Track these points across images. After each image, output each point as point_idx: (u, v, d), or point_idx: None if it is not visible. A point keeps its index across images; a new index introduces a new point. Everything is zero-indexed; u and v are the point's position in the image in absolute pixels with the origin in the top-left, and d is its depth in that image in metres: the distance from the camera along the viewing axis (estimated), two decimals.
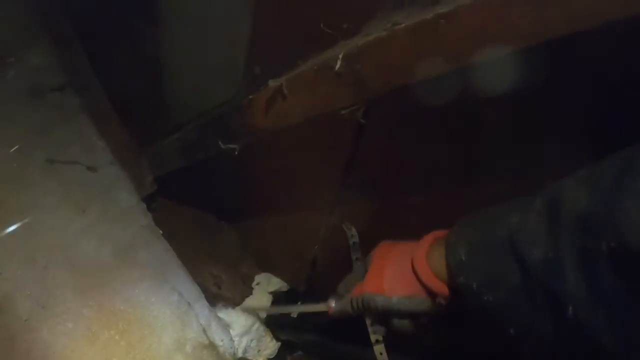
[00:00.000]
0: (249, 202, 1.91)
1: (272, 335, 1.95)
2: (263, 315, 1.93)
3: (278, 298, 2.03)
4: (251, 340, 1.86)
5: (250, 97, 1.27)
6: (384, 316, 1.15)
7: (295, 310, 1.59)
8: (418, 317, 1.09)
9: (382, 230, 1.41)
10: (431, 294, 1.01)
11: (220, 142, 1.36)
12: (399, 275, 1.08)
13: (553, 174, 0.76)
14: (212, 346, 1.65)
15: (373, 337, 1.28)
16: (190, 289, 1.67)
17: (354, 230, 1.49)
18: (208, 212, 2.07)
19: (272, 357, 1.96)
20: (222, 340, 1.70)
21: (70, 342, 1.36)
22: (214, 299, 1.89)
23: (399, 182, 1.32)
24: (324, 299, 1.82)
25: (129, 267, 1.51)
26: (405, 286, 1.05)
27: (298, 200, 1.61)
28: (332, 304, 1.30)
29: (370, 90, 1.05)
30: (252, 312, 1.92)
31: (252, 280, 2.07)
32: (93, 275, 1.43)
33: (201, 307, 1.68)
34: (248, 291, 2.05)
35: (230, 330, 1.79)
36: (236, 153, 1.34)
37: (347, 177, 1.36)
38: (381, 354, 1.30)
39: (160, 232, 1.63)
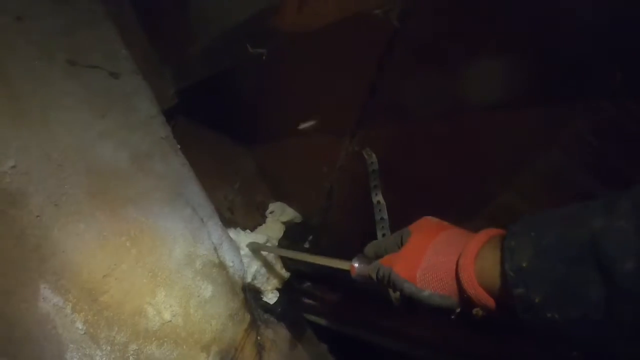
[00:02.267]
0: (268, 123, 1.89)
1: (282, 265, 1.93)
2: (274, 242, 1.92)
3: (291, 229, 2.02)
4: (261, 267, 1.85)
5: None
6: (408, 298, 1.04)
7: (315, 260, 1.52)
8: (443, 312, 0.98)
9: (403, 160, 1.39)
10: (468, 300, 0.90)
11: (248, 46, 1.32)
12: (438, 269, 0.95)
13: None
14: (222, 266, 1.65)
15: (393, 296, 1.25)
16: (204, 206, 1.66)
17: (374, 157, 1.47)
18: (227, 135, 2.05)
19: (280, 286, 1.95)
20: (232, 262, 1.69)
21: (80, 243, 1.35)
22: (226, 224, 1.88)
23: (426, 108, 1.29)
24: (338, 235, 1.82)
25: (144, 176, 1.50)
26: (441, 284, 0.93)
27: (320, 120, 1.58)
28: (356, 264, 1.22)
29: None
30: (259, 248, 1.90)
31: (266, 208, 2.06)
32: (108, 179, 1.42)
33: (214, 225, 1.67)
34: (261, 219, 2.03)
35: (240, 251, 1.77)
36: (263, 58, 1.30)
37: (373, 97, 1.32)
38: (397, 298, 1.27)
39: (178, 146, 1.61)
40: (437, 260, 0.95)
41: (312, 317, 2.00)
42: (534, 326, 0.75)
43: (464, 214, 1.34)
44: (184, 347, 1.50)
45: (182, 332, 1.50)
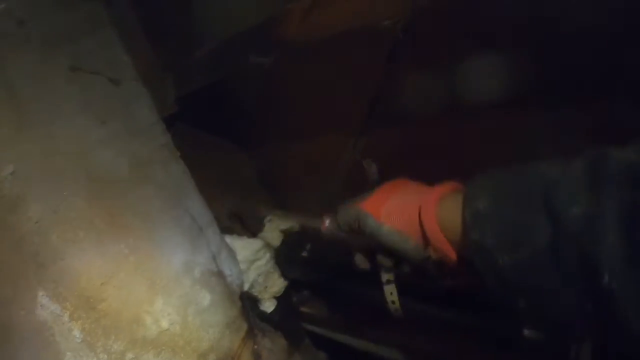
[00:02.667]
0: (269, 132, 1.89)
1: (280, 273, 1.93)
2: (271, 251, 1.91)
3: (289, 237, 2.01)
4: (258, 275, 1.84)
5: (288, 6, 1.24)
6: (369, 250, 1.11)
7: (292, 217, 1.52)
8: (402, 261, 1.05)
9: (404, 171, 1.39)
10: (427, 243, 0.94)
11: (250, 56, 1.32)
12: (402, 210, 0.99)
13: None
14: (220, 274, 1.65)
15: (384, 277, 1.25)
16: (203, 214, 1.65)
17: (374, 167, 1.46)
18: (227, 143, 2.05)
19: (278, 295, 1.94)
20: (230, 270, 1.69)
21: (79, 251, 1.34)
22: (225, 232, 1.88)
23: (428, 118, 1.29)
24: (336, 244, 1.81)
25: (144, 183, 1.49)
26: (404, 223, 0.98)
27: (321, 130, 1.59)
28: (327, 221, 1.25)
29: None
30: (262, 246, 1.90)
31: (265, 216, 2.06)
32: (107, 186, 1.42)
33: (213, 233, 1.66)
34: (260, 227, 2.03)
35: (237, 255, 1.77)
36: (265, 67, 1.30)
37: (375, 107, 1.32)
38: (391, 293, 1.27)
39: (178, 153, 1.60)
40: (402, 200, 1.01)
41: (310, 326, 1.99)
42: (486, 274, 0.77)
43: None
44: (182, 355, 1.49)
45: (180, 341, 1.49)
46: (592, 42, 0.92)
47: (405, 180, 1.12)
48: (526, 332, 0.96)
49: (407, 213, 0.97)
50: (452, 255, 0.90)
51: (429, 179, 1.33)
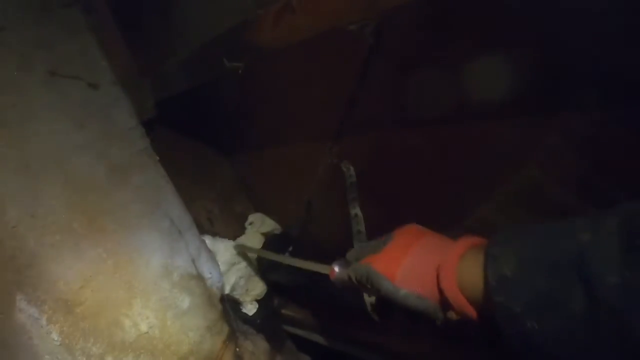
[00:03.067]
0: (248, 135, 1.89)
1: (261, 276, 1.94)
2: (254, 255, 1.92)
3: (270, 240, 2.02)
4: (240, 278, 1.85)
5: (259, 11, 1.24)
6: (385, 300, 1.02)
7: (295, 263, 1.53)
8: (421, 318, 0.97)
9: (382, 173, 1.40)
10: (446, 305, 0.89)
11: (225, 60, 1.33)
12: (419, 270, 0.94)
13: None
14: (199, 277, 1.65)
15: (367, 301, 1.25)
16: (182, 217, 1.66)
17: (352, 170, 1.47)
18: (206, 146, 2.06)
19: (259, 298, 1.95)
20: (210, 273, 1.69)
21: (56, 255, 1.35)
22: (205, 234, 1.89)
23: (403, 121, 1.30)
24: (316, 246, 1.82)
25: (122, 187, 1.50)
26: (421, 285, 0.93)
27: (298, 133, 1.60)
28: (336, 268, 1.20)
29: (381, 4, 1.02)
30: (244, 250, 1.91)
31: (246, 219, 2.06)
32: (85, 191, 1.42)
33: (192, 236, 1.67)
34: (241, 230, 2.04)
35: (217, 257, 1.78)
36: (240, 72, 1.31)
37: (351, 110, 1.33)
38: (371, 304, 1.27)
39: (157, 158, 1.61)
40: (418, 261, 0.95)
41: (292, 329, 2.00)
42: (513, 337, 0.74)
43: (441, 226, 1.35)
44: (161, 358, 1.50)
45: (159, 344, 1.49)
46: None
47: (418, 228, 1.06)
48: None
49: (425, 276, 0.92)
50: (474, 315, 0.85)
51: (405, 181, 1.35)
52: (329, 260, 1.22)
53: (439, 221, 1.31)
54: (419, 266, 0.94)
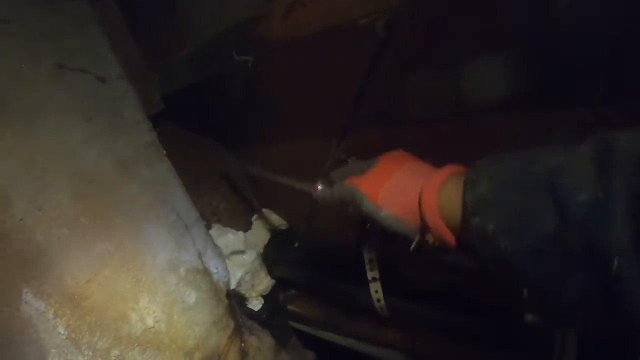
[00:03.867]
0: (255, 130, 1.89)
1: (267, 271, 1.93)
2: (260, 249, 1.92)
3: (276, 235, 2.02)
4: (246, 274, 1.85)
5: (269, 5, 1.24)
6: (362, 223, 1.07)
7: (282, 180, 1.55)
8: (397, 242, 0.99)
9: None
10: (425, 229, 0.91)
11: (234, 54, 1.32)
12: (401, 193, 0.96)
13: None
14: (206, 272, 1.65)
15: (370, 275, 1.24)
16: (189, 212, 1.66)
17: None
18: (213, 141, 2.05)
19: (265, 293, 1.94)
20: (216, 268, 1.69)
21: (63, 248, 1.34)
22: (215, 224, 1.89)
23: (411, 117, 1.29)
24: (322, 244, 1.82)
25: (129, 181, 1.49)
26: (402, 207, 0.95)
27: (306, 128, 1.59)
28: (319, 186, 1.22)
29: None
30: (249, 246, 1.90)
31: (252, 215, 2.06)
32: (92, 184, 1.42)
33: (198, 231, 1.67)
34: (247, 226, 2.03)
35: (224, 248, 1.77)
36: (249, 66, 1.30)
37: (359, 105, 1.33)
38: (376, 291, 1.27)
39: (164, 152, 1.61)
40: (401, 183, 0.98)
41: (297, 325, 2.00)
42: (487, 258, 0.77)
43: None
44: (167, 353, 1.49)
45: (165, 338, 1.49)
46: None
47: (403, 154, 1.09)
48: (528, 317, 0.95)
49: (406, 197, 0.94)
50: (452, 241, 0.87)
51: None
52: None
53: None
54: (401, 189, 0.97)
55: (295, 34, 1.17)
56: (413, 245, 0.94)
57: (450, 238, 0.87)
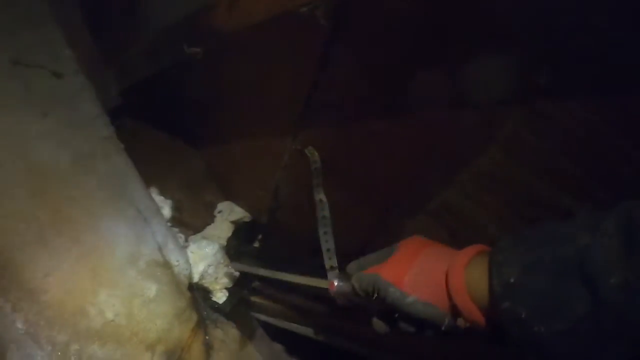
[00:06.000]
0: (214, 123, 1.89)
1: (230, 264, 1.94)
2: (223, 242, 1.92)
3: (239, 228, 2.02)
4: (209, 266, 1.85)
5: None
6: (389, 313, 1.01)
7: (292, 279, 1.53)
8: (426, 328, 0.96)
9: (346, 158, 1.40)
10: (455, 312, 0.89)
11: (184, 46, 1.32)
12: (427, 277, 0.93)
13: None
14: (167, 265, 1.65)
15: (328, 264, 1.25)
16: (148, 205, 1.66)
17: (316, 155, 1.48)
18: (174, 136, 2.05)
19: (229, 286, 1.95)
20: (177, 261, 1.69)
21: (21, 243, 1.35)
22: (173, 224, 1.88)
23: (363, 105, 1.30)
24: (285, 236, 1.82)
25: (87, 176, 1.49)
26: (429, 291, 0.91)
27: (264, 120, 1.60)
28: (336, 281, 1.18)
29: None
30: (213, 238, 1.91)
31: (215, 208, 2.06)
32: (50, 179, 1.42)
33: (158, 224, 1.67)
34: (210, 219, 2.03)
35: (188, 252, 1.78)
36: (199, 57, 1.31)
37: (312, 96, 1.34)
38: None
39: (122, 145, 1.61)
40: (426, 268, 0.94)
41: (263, 317, 2.00)
42: (520, 341, 0.75)
43: (407, 212, 1.36)
44: (128, 346, 1.50)
45: (126, 332, 1.50)
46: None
47: (423, 240, 1.05)
48: None
49: (433, 280, 0.91)
50: (483, 322, 0.85)
51: (370, 166, 1.35)
52: (298, 249, 1.21)
53: (404, 205, 1.32)
54: (427, 273, 0.94)
55: (241, 23, 1.17)
56: (444, 328, 0.91)
57: (481, 319, 0.85)
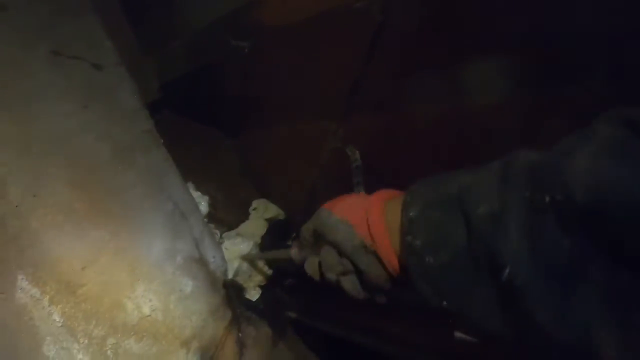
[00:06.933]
0: (253, 119, 1.88)
1: (265, 261, 1.93)
2: (257, 239, 1.91)
3: (274, 226, 2.01)
4: (243, 263, 1.84)
5: None
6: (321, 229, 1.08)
7: (265, 256, 1.66)
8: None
9: (387, 156, 1.38)
10: (373, 245, 0.95)
11: (230, 40, 1.31)
12: (352, 207, 1.03)
13: None
14: (202, 261, 1.64)
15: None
16: (186, 200, 1.65)
17: (357, 154, 1.46)
18: (211, 130, 2.04)
19: (263, 283, 1.94)
20: (214, 257, 1.68)
21: (59, 235, 1.34)
22: (208, 219, 1.88)
23: (410, 103, 1.28)
24: None
25: (125, 169, 1.49)
26: (352, 217, 1.00)
27: (303, 116, 1.58)
28: (294, 250, 1.27)
29: None
30: (247, 235, 1.90)
31: (249, 205, 2.05)
32: (88, 171, 1.41)
33: (196, 220, 1.66)
34: (244, 216, 2.03)
35: (223, 249, 1.77)
36: (246, 51, 1.30)
37: (357, 92, 1.32)
38: None
39: (161, 140, 1.60)
40: (355, 199, 1.06)
41: (295, 315, 1.99)
42: (416, 274, 0.81)
43: None
44: (163, 342, 1.49)
45: (162, 327, 1.49)
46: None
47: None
48: (457, 334, 0.98)
49: (357, 210, 1.00)
50: (394, 261, 0.92)
51: (411, 164, 1.33)
52: None
53: None
54: (354, 203, 1.04)
55: (290, 18, 1.16)
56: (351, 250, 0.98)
57: (391, 253, 0.92)
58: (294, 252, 1.29)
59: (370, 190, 1.37)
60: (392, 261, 0.91)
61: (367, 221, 0.95)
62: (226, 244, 1.86)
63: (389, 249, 0.91)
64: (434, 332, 1.42)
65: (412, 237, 0.81)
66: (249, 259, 1.89)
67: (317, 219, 1.07)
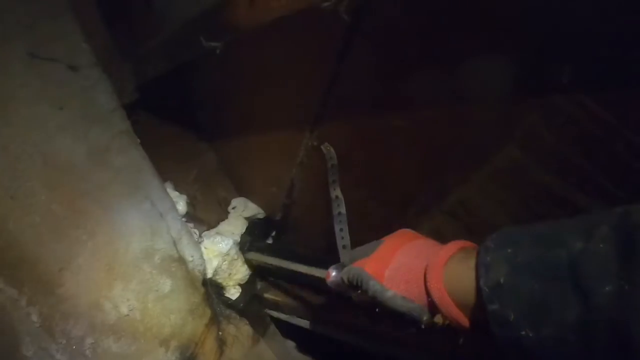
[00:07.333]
0: (230, 118, 1.89)
1: (244, 260, 1.93)
2: (237, 238, 1.92)
3: (253, 224, 2.02)
4: (222, 262, 1.85)
5: None
6: (372, 304, 1.01)
7: (295, 268, 1.58)
8: (408, 324, 0.95)
9: (362, 154, 1.40)
10: (433, 308, 0.88)
11: (202, 40, 1.32)
12: (406, 271, 0.94)
13: None
14: (181, 260, 1.65)
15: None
16: (163, 200, 1.66)
17: (332, 152, 1.47)
18: (189, 129, 2.04)
19: (242, 282, 1.95)
20: (192, 256, 1.69)
21: (36, 236, 1.34)
22: (187, 219, 1.88)
23: (384, 102, 1.29)
24: (300, 232, 1.82)
25: (102, 169, 1.49)
26: (408, 286, 0.92)
27: (279, 115, 1.59)
28: (333, 272, 1.20)
29: None
30: (226, 234, 1.91)
31: (229, 203, 2.06)
32: (65, 172, 1.41)
33: (173, 219, 1.66)
34: (223, 214, 2.03)
35: (202, 248, 1.77)
36: (218, 52, 1.30)
37: (331, 91, 1.33)
38: None
39: (138, 140, 1.60)
40: (406, 262, 0.95)
41: (275, 313, 2.00)
42: (506, 344, 0.74)
43: (422, 209, 1.36)
44: (142, 341, 1.50)
45: (140, 326, 1.50)
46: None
47: (408, 233, 1.06)
48: None
49: (412, 277, 0.92)
50: (464, 322, 0.85)
51: (386, 162, 1.35)
52: (312, 245, 1.21)
53: (421, 203, 1.32)
54: (406, 267, 0.94)
55: (262, 19, 1.17)
56: (423, 325, 0.91)
57: (462, 318, 0.85)
58: (331, 280, 1.19)
59: (345, 187, 1.39)
60: (464, 324, 0.85)
61: (427, 288, 0.88)
62: (205, 243, 1.86)
63: (460, 316, 0.84)
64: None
65: (500, 307, 0.73)
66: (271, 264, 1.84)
67: (367, 287, 0.97)
